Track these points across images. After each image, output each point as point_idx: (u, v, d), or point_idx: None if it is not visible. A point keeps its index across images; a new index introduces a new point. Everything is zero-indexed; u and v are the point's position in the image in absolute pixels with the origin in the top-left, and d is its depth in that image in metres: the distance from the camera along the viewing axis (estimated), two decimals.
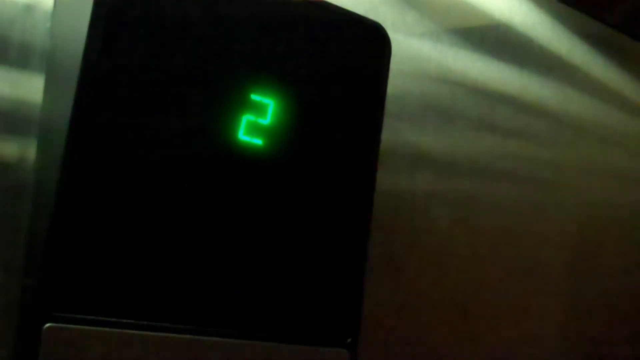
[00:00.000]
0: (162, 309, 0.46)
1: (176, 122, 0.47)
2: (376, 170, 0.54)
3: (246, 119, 0.49)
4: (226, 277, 0.48)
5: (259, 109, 0.49)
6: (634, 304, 0.90)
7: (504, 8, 0.78)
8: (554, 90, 0.82)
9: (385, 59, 0.53)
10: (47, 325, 0.42)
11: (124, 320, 0.44)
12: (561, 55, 0.82)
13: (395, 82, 0.68)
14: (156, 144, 0.47)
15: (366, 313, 0.54)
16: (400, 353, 0.67)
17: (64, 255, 0.43)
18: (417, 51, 0.71)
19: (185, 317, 0.47)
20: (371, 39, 0.53)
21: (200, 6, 0.48)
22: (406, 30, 0.70)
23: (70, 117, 0.44)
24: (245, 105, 0.49)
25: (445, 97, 0.73)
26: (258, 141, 0.49)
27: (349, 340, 0.52)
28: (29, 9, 0.49)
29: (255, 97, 0.49)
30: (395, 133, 0.68)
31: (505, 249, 0.77)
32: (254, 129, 0.49)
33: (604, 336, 0.87)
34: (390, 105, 0.58)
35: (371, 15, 0.65)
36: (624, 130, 0.90)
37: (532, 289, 0.79)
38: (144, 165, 0.46)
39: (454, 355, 0.71)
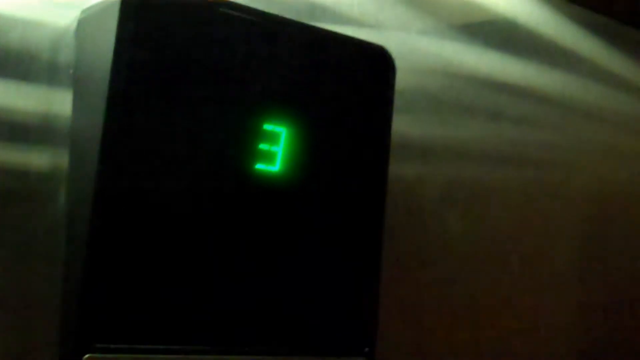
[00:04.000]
0: (192, 333, 0.49)
1: (198, 155, 0.50)
2: (387, 186, 0.57)
3: (260, 147, 0.52)
4: (249, 299, 0.51)
5: (272, 138, 0.52)
6: None
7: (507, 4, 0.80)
8: (560, 79, 0.84)
9: (390, 81, 0.56)
10: (87, 356, 0.45)
11: (160, 346, 0.48)
12: (566, 46, 0.84)
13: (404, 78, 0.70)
14: (180, 177, 0.49)
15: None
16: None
17: (101, 286, 0.46)
18: (422, 48, 0.73)
19: (214, 339, 0.50)
20: (376, 63, 0.55)
21: (213, 40, 0.50)
22: (408, 28, 0.72)
23: (99, 149, 0.47)
24: (259, 135, 0.52)
25: (454, 90, 0.75)
26: (273, 168, 0.52)
27: (366, 349, 0.56)
28: (54, 29, 0.52)
29: (268, 126, 0.52)
30: (403, 128, 0.70)
31: (515, 235, 0.80)
32: (268, 157, 0.52)
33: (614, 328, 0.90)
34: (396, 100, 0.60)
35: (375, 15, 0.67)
36: (630, 113, 0.92)
37: (543, 276, 0.82)
38: (170, 197, 0.49)
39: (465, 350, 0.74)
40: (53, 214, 0.51)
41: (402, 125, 0.68)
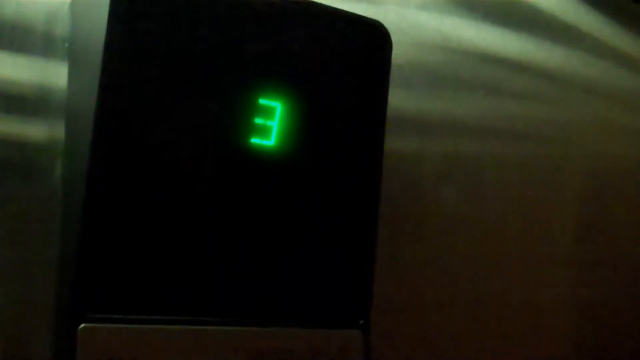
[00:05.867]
0: (187, 303, 0.50)
1: (194, 129, 0.50)
2: (382, 160, 0.57)
3: (256, 122, 0.52)
4: (244, 271, 0.52)
5: (268, 112, 0.52)
6: None
7: None
8: (561, 53, 0.83)
9: (386, 56, 0.56)
10: (82, 325, 0.46)
11: (155, 317, 0.48)
12: (567, 21, 0.84)
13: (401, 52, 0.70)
14: (174, 151, 0.50)
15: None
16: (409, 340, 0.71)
17: (95, 257, 0.47)
18: (421, 22, 0.73)
19: (209, 310, 0.51)
20: (372, 38, 0.55)
21: (205, 14, 0.50)
22: (408, 2, 0.72)
23: (93, 126, 0.47)
24: (255, 109, 0.52)
25: (453, 64, 0.75)
26: (268, 142, 0.52)
27: (361, 321, 0.56)
28: (49, 2, 0.52)
29: (263, 101, 0.52)
30: (402, 102, 0.70)
31: (514, 210, 0.80)
32: (264, 131, 0.52)
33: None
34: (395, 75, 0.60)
35: None
36: (631, 88, 0.91)
37: (541, 251, 0.82)
38: (165, 169, 0.49)
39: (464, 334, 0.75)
40: (50, 185, 0.51)
41: (400, 100, 0.69)
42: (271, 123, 0.53)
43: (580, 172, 0.86)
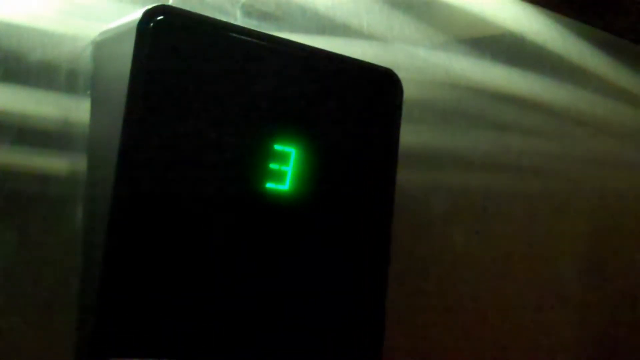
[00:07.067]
0: (203, 345, 0.51)
1: (211, 174, 0.52)
2: (393, 203, 0.58)
3: (271, 167, 0.53)
4: (260, 313, 0.53)
5: (282, 158, 0.54)
6: None
7: (514, 18, 0.81)
8: (567, 93, 0.85)
9: (397, 102, 0.57)
10: None
11: None
12: (573, 61, 0.85)
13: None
14: (194, 195, 0.51)
15: None
16: None
17: (116, 299, 0.48)
18: (431, 62, 0.74)
19: (225, 351, 0.52)
20: (384, 85, 0.57)
21: (224, 62, 0.52)
22: (418, 43, 0.73)
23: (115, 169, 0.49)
24: (270, 155, 0.53)
25: (462, 103, 0.76)
26: (283, 187, 0.54)
27: None
28: (73, 39, 0.53)
29: (278, 147, 0.54)
30: (411, 140, 0.72)
31: (521, 246, 0.81)
32: (279, 176, 0.54)
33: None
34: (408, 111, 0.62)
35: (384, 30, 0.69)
36: (636, 126, 0.93)
37: (547, 288, 0.83)
38: (184, 214, 0.51)
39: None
40: (71, 221, 0.52)
41: (410, 138, 0.70)
42: (286, 168, 0.54)
43: (587, 208, 0.87)
